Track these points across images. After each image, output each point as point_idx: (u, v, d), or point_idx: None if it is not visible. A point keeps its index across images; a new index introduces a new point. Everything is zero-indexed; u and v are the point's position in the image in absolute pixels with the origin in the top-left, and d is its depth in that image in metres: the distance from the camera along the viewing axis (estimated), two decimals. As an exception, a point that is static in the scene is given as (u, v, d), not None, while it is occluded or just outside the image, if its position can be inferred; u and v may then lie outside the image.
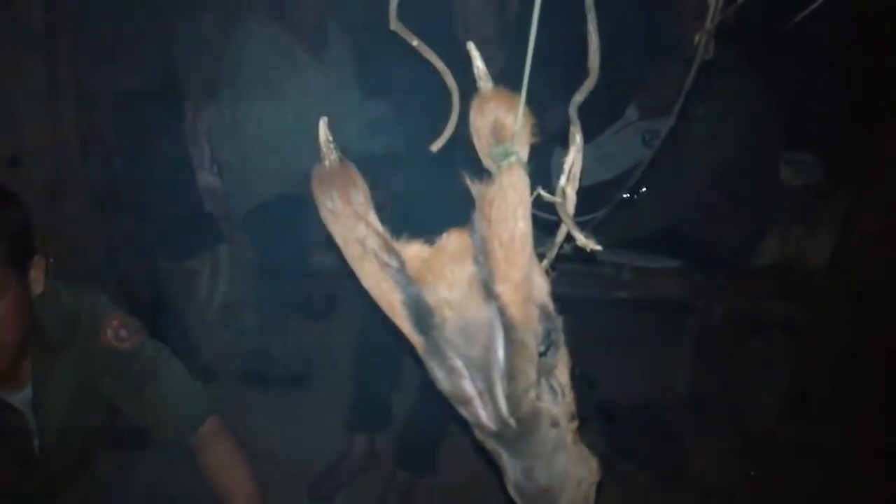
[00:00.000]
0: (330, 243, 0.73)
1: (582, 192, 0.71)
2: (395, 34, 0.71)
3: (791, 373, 2.61)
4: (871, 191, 2.43)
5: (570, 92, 0.70)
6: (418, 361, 0.74)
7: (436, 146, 0.72)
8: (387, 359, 2.27)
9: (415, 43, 0.69)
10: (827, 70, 2.89)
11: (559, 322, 0.70)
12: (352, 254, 0.70)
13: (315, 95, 2.63)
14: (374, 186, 0.72)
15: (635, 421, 2.65)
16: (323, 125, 0.70)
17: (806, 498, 2.40)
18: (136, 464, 1.59)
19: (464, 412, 0.71)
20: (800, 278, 2.71)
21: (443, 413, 2.01)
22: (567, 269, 2.48)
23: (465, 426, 0.75)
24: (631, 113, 3.00)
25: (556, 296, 0.71)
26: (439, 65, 0.68)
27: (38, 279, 1.29)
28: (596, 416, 2.58)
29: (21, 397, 1.34)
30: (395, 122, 2.80)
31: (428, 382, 0.73)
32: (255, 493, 1.44)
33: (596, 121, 2.83)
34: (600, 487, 0.76)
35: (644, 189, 2.61)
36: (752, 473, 2.50)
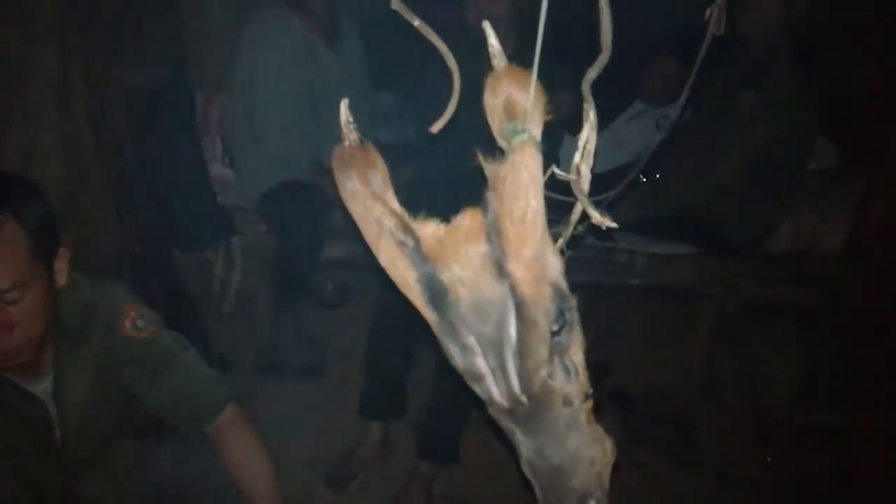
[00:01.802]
0: (343, 232, 0.74)
1: (598, 178, 0.72)
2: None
3: (805, 358, 2.61)
4: (886, 176, 2.42)
5: (580, 78, 0.70)
6: (435, 349, 0.74)
7: (436, 127, 0.72)
8: (401, 346, 2.28)
9: (416, 23, 0.69)
10: (842, 55, 2.87)
11: (573, 301, 0.70)
12: (369, 233, 0.71)
13: (329, 83, 2.63)
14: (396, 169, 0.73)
15: (650, 408, 2.65)
16: (344, 106, 0.72)
17: (821, 484, 2.39)
18: (155, 453, 1.60)
19: (477, 389, 0.72)
20: (814, 264, 2.70)
21: (464, 401, 2.03)
22: (581, 257, 2.49)
23: (486, 413, 0.76)
24: (639, 104, 3.02)
25: (569, 283, 0.71)
26: (441, 45, 0.68)
27: (62, 271, 1.31)
28: (611, 403, 2.58)
29: (42, 387, 1.36)
30: (408, 109, 2.80)
31: (449, 370, 0.74)
32: (273, 481, 1.46)
33: (608, 107, 2.83)
34: (616, 469, 0.76)
35: (659, 175, 2.61)
36: (768, 459, 2.50)
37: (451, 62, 0.71)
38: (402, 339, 2.25)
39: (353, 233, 0.74)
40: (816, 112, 2.55)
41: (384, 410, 2.38)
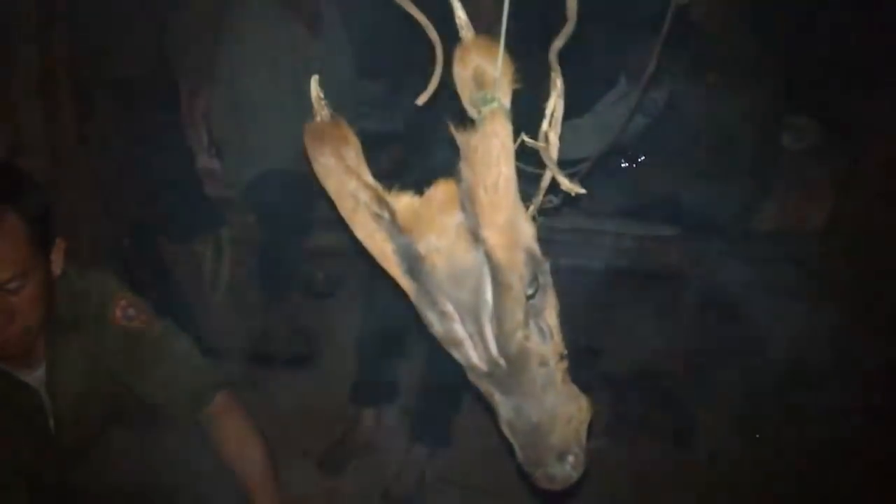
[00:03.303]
0: (332, 221, 0.75)
1: (584, 161, 0.73)
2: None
3: (791, 336, 2.63)
4: (869, 153, 2.44)
5: (566, 65, 0.71)
6: (425, 334, 0.76)
7: (422, 100, 0.74)
8: (392, 333, 2.29)
9: None
10: (824, 32, 2.88)
11: (546, 265, 0.72)
12: (345, 207, 0.72)
13: (313, 72, 2.63)
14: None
15: (640, 388, 2.68)
16: (314, 83, 0.73)
17: (810, 461, 2.41)
18: (148, 441, 1.61)
19: (456, 355, 0.74)
20: (799, 242, 2.72)
21: (455, 385, 2.04)
22: (568, 240, 2.51)
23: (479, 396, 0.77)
24: (623, 85, 3.00)
25: (557, 266, 0.73)
26: (421, 18, 0.69)
27: (58, 261, 1.33)
28: (600, 384, 2.60)
29: (35, 376, 1.38)
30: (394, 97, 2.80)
31: (440, 353, 0.75)
32: (269, 466, 1.47)
33: (591, 91, 2.83)
34: (592, 426, 0.78)
35: (642, 157, 2.62)
36: (758, 437, 2.53)
37: (433, 34, 0.72)
38: (392, 325, 2.26)
39: (342, 221, 0.74)
40: (782, 87, 2.56)
41: (376, 396, 2.40)
